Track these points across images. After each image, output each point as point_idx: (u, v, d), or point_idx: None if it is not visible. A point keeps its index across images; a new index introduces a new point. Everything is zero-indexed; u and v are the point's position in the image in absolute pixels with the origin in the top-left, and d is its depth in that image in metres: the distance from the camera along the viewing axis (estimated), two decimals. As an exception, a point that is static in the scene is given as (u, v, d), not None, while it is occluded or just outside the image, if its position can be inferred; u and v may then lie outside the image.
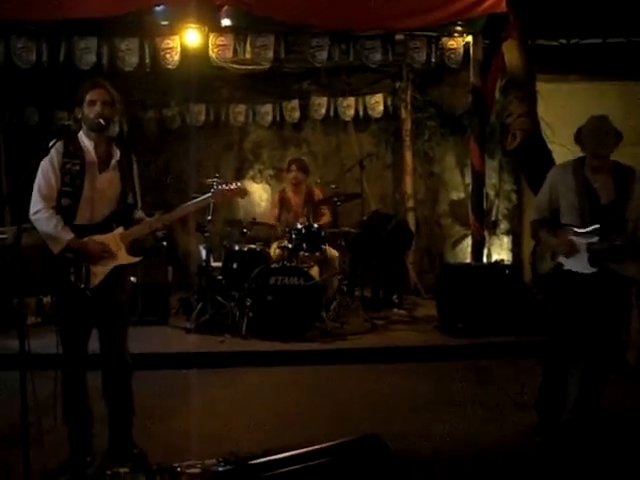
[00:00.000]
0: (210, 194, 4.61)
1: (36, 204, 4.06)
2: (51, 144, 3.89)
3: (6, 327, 6.74)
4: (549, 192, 4.72)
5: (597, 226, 4.44)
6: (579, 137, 4.57)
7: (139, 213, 4.44)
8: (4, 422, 4.71)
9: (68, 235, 4.06)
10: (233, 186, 4.75)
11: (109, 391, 4.35)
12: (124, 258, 4.29)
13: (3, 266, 7.04)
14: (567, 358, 4.69)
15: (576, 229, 4.53)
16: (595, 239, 4.46)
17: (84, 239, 4.11)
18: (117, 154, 4.28)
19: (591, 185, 4.52)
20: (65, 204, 4.12)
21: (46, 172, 4.07)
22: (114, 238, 4.25)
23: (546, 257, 4.75)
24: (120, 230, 4.27)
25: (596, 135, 4.47)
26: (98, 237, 4.17)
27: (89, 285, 4.13)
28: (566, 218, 4.62)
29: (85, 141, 4.21)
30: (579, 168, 4.60)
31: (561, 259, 4.63)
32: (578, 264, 4.54)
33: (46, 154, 3.91)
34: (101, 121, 4.14)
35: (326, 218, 8.16)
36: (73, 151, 4.14)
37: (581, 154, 4.65)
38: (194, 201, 4.55)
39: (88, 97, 4.15)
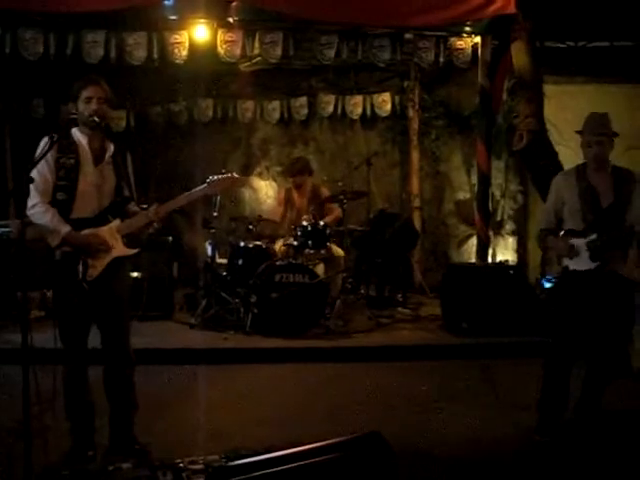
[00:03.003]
0: (205, 185, 4.57)
1: (32, 199, 4.03)
2: (56, 138, 3.87)
3: (10, 321, 6.75)
4: (554, 199, 4.79)
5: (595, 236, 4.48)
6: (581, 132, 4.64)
7: (135, 206, 4.43)
8: (6, 416, 4.71)
9: (64, 228, 4.06)
10: (228, 175, 4.68)
11: (111, 386, 4.34)
12: (121, 250, 4.29)
13: (7, 259, 7.05)
14: (569, 359, 4.71)
15: (575, 231, 4.58)
16: (593, 237, 4.49)
17: (81, 232, 4.12)
18: (111, 148, 4.29)
19: (594, 188, 4.57)
20: (60, 198, 4.12)
21: (41, 167, 4.04)
22: (111, 231, 4.24)
23: (554, 262, 4.77)
24: (116, 223, 4.27)
25: (594, 119, 4.56)
26: (95, 230, 4.18)
27: (87, 278, 4.13)
28: (569, 223, 4.67)
29: (79, 136, 4.21)
30: (582, 172, 4.66)
31: (566, 262, 4.66)
32: (580, 263, 4.57)
33: (51, 148, 3.89)
34: (96, 119, 4.13)
35: (332, 216, 8.13)
36: (67, 145, 4.14)
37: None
38: (189, 192, 4.51)
39: (84, 94, 4.15)
